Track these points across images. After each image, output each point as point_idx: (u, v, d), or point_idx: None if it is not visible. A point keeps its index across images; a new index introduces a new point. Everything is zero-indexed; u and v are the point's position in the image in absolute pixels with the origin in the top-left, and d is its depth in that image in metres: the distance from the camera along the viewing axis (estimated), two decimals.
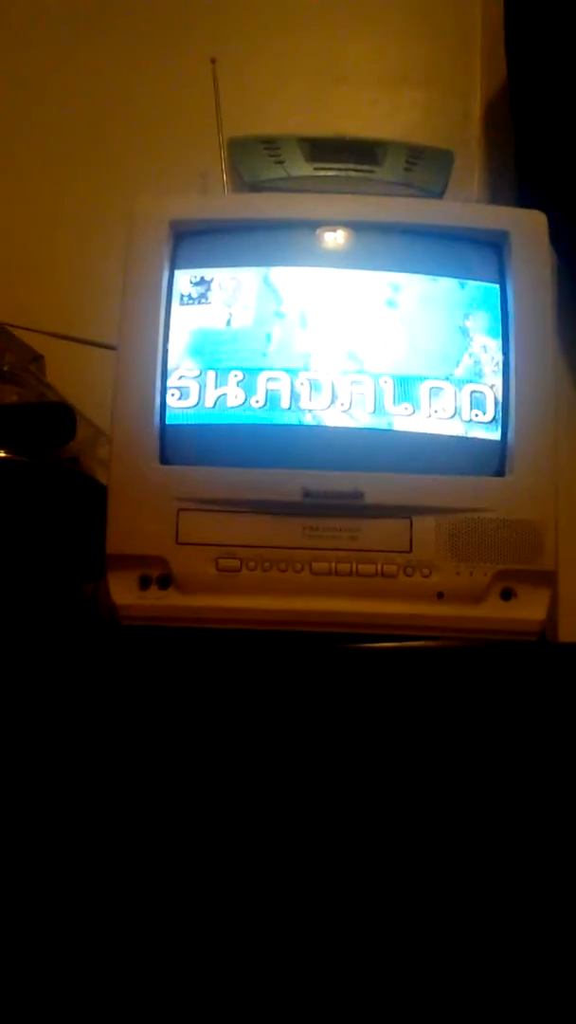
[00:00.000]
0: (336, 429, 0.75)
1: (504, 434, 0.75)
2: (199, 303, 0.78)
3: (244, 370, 0.76)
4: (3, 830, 0.68)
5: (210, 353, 0.77)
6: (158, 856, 0.68)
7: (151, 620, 0.73)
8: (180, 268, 0.78)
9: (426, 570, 0.73)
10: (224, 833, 0.68)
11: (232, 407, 0.76)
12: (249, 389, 0.76)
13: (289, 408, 0.75)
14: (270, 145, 0.99)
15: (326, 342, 0.76)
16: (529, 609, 0.73)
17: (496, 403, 0.76)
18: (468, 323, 0.77)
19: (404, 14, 1.14)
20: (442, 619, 0.72)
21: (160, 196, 0.83)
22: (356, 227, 0.79)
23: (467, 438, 0.75)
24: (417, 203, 0.89)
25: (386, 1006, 0.67)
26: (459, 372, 0.76)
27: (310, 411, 0.75)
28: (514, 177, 1.05)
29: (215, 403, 0.76)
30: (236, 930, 0.67)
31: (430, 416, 0.75)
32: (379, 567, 0.73)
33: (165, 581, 0.73)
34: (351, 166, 0.97)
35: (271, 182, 0.97)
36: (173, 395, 0.76)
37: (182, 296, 0.78)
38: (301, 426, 0.75)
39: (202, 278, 0.78)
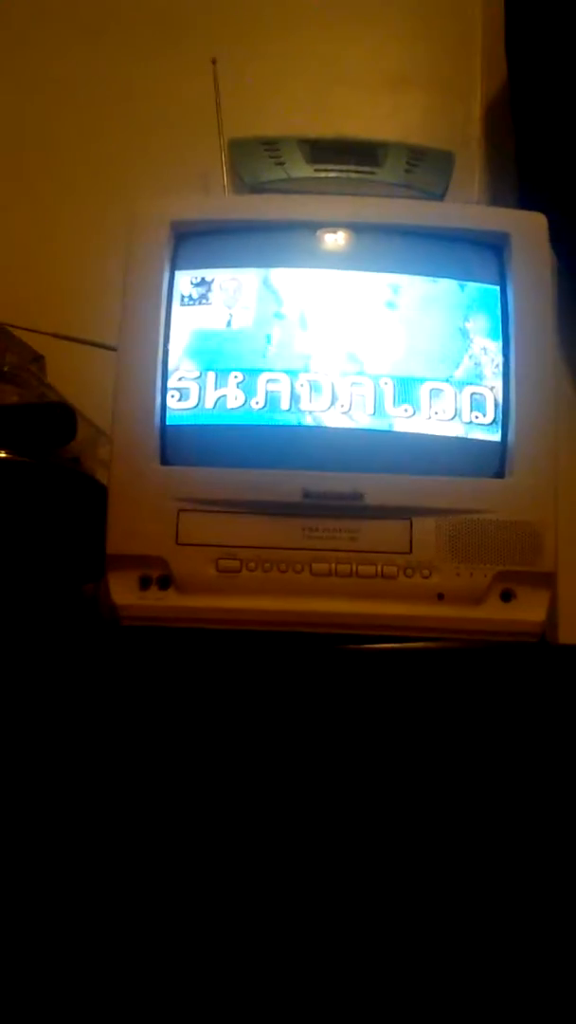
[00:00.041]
0: (336, 430, 0.75)
1: (504, 435, 0.75)
2: (199, 304, 0.78)
3: (244, 371, 0.76)
4: (4, 830, 0.68)
5: (210, 354, 0.77)
6: (159, 855, 0.68)
7: (151, 620, 0.73)
8: (181, 269, 0.78)
9: (426, 571, 0.73)
10: (225, 833, 0.68)
11: (232, 408, 0.76)
12: (249, 390, 0.76)
13: (289, 409, 0.75)
14: (271, 146, 0.99)
15: (326, 343, 0.76)
16: (529, 610, 0.73)
17: (496, 405, 0.76)
18: (468, 325, 0.77)
19: (405, 15, 1.14)
20: (442, 620, 0.72)
21: (161, 197, 0.83)
22: (356, 228, 0.79)
23: (467, 439, 0.75)
24: (418, 204, 0.90)
25: (386, 1005, 0.67)
26: (459, 374, 0.76)
27: (310, 412, 0.75)
28: (515, 179, 1.05)
29: (215, 404, 0.76)
30: (236, 930, 0.67)
31: (430, 418, 0.75)
32: (379, 568, 0.73)
33: (165, 581, 0.73)
34: (352, 167, 0.98)
35: (272, 183, 0.98)
36: (173, 396, 0.76)
37: (183, 297, 0.78)
38: (301, 427, 0.75)
39: (203, 279, 0.78)
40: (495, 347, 0.76)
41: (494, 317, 0.77)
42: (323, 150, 0.99)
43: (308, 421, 0.75)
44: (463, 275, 0.78)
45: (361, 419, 0.75)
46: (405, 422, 0.75)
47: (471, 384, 0.76)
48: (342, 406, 0.75)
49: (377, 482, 0.73)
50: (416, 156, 0.99)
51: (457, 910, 0.67)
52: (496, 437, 0.75)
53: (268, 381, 0.76)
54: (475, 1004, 0.67)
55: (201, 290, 0.78)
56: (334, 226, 0.79)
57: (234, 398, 0.76)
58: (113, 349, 0.78)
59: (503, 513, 0.73)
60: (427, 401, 0.75)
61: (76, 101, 1.13)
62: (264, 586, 0.72)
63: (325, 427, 0.75)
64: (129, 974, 0.67)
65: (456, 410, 0.75)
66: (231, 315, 0.77)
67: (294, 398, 0.75)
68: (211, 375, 0.76)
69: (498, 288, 0.77)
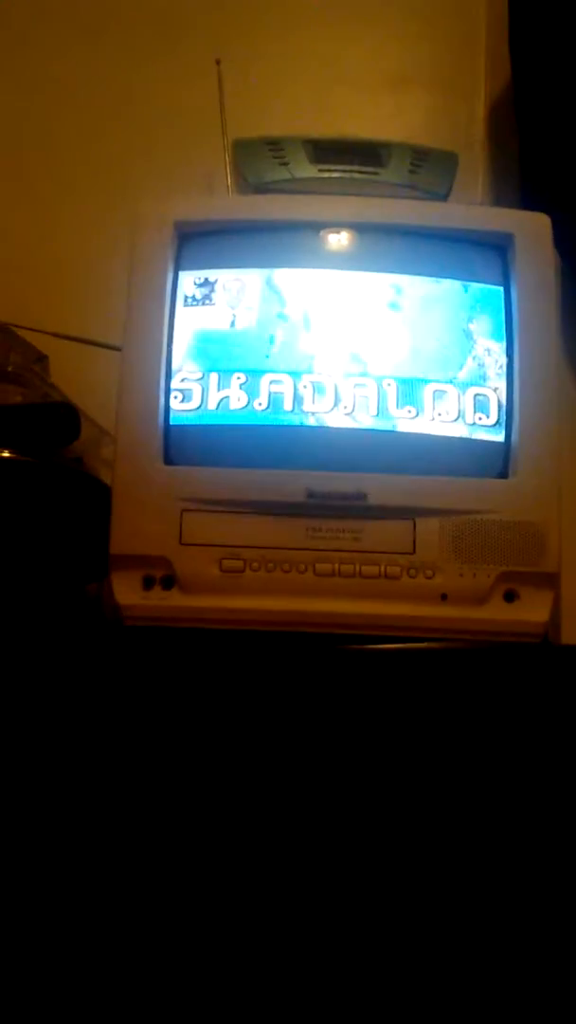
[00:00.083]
0: (339, 430, 0.75)
1: (508, 436, 0.75)
2: (203, 304, 0.78)
3: (247, 372, 0.76)
4: (6, 831, 0.68)
5: (213, 355, 0.77)
6: (161, 855, 0.68)
7: (154, 620, 0.73)
8: (184, 269, 0.78)
9: (429, 571, 0.73)
10: (226, 833, 0.68)
11: (235, 410, 0.76)
12: (252, 392, 0.76)
13: (292, 411, 0.75)
14: (274, 146, 0.99)
15: (329, 344, 0.76)
16: (532, 611, 0.73)
17: (499, 406, 0.76)
18: (472, 326, 0.77)
19: (408, 15, 1.14)
20: (445, 620, 0.72)
21: (164, 197, 0.83)
22: (360, 229, 0.79)
23: (470, 440, 0.75)
24: (421, 205, 0.90)
25: (386, 1005, 0.67)
26: (462, 375, 0.76)
27: (313, 414, 0.75)
28: (518, 179, 1.05)
29: (217, 405, 0.76)
30: (237, 930, 0.67)
31: (433, 419, 0.75)
32: (382, 568, 0.73)
33: (169, 581, 0.73)
34: (355, 168, 0.98)
35: (275, 183, 0.98)
36: (176, 397, 0.76)
37: (186, 297, 0.78)
38: (304, 427, 0.75)
39: (206, 279, 0.78)
40: (499, 348, 0.76)
41: (498, 318, 0.77)
42: (327, 150, 0.99)
43: (311, 422, 0.75)
44: (467, 276, 0.78)
45: (364, 420, 0.75)
46: (408, 423, 0.75)
47: (474, 385, 0.76)
48: (345, 407, 0.75)
49: (381, 482, 0.73)
50: (420, 156, 0.99)
51: (462, 911, 0.67)
52: (499, 438, 0.75)
53: (271, 382, 0.76)
54: (475, 1003, 0.67)
55: (205, 290, 0.78)
56: (338, 226, 0.79)
57: (237, 399, 0.76)
58: (117, 349, 0.78)
59: (506, 513, 0.73)
60: (430, 403, 0.75)
61: (79, 101, 1.13)
62: (268, 586, 0.72)
63: (328, 427, 0.75)
64: (129, 973, 0.67)
65: (459, 412, 0.75)
66: (234, 315, 0.77)
67: (297, 399, 0.75)
68: (214, 376, 0.76)
69: (501, 289, 0.77)
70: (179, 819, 0.68)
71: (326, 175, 0.97)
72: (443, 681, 0.70)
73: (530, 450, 0.74)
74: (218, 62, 0.98)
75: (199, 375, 0.77)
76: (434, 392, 0.75)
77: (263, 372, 0.76)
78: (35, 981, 0.67)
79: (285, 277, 0.78)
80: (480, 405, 0.76)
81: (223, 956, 0.67)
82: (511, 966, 0.67)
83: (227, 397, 0.76)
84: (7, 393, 0.87)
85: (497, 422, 0.76)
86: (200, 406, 0.76)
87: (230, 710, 0.69)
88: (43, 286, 1.06)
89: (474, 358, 0.76)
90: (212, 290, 0.78)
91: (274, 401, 0.75)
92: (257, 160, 0.98)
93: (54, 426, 0.86)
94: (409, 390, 0.75)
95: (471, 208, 0.99)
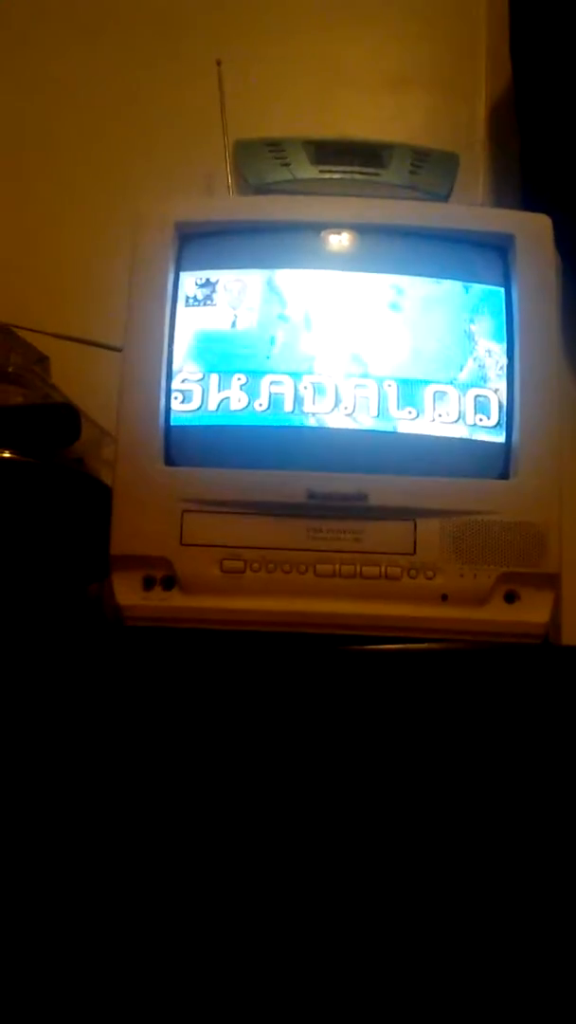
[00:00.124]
0: (340, 431, 0.75)
1: (508, 437, 0.75)
2: (204, 305, 0.78)
3: (247, 373, 0.76)
4: (7, 831, 0.68)
5: (214, 356, 0.77)
6: (163, 856, 0.68)
7: (155, 621, 0.73)
8: (185, 270, 0.78)
9: (430, 572, 0.73)
10: (228, 834, 0.68)
11: (235, 410, 0.76)
12: (252, 392, 0.76)
13: (292, 412, 0.75)
14: (275, 147, 0.99)
15: (330, 345, 0.76)
16: (533, 612, 0.73)
17: (500, 407, 0.76)
18: (473, 327, 0.77)
19: (409, 16, 1.14)
20: (446, 621, 0.72)
21: (165, 198, 0.83)
22: (361, 230, 0.79)
23: (471, 441, 0.75)
24: (422, 206, 0.90)
25: (386, 1005, 0.67)
26: (463, 376, 0.76)
27: (314, 415, 0.75)
28: (519, 180, 1.05)
29: (218, 406, 0.76)
30: (238, 930, 0.67)
31: (434, 420, 0.75)
32: (383, 569, 0.73)
33: (169, 582, 0.74)
34: (356, 169, 0.98)
35: (276, 184, 0.98)
36: (176, 398, 0.76)
37: (187, 298, 0.78)
38: (305, 428, 0.75)
39: (207, 280, 0.78)
40: (499, 349, 0.76)
41: (498, 319, 0.77)
42: (327, 151, 0.99)
43: (312, 423, 0.75)
44: (467, 277, 0.78)
45: (365, 421, 0.75)
46: (409, 424, 0.75)
47: (475, 386, 0.76)
48: (346, 408, 0.75)
49: (381, 483, 0.73)
50: (420, 157, 0.99)
51: (463, 911, 0.67)
52: (500, 439, 0.75)
53: (272, 383, 0.76)
54: (475, 1003, 0.67)
55: (206, 291, 0.78)
56: (338, 227, 0.79)
57: (237, 400, 0.76)
58: (117, 350, 0.78)
59: (507, 514, 0.73)
60: (431, 404, 0.75)
61: (80, 102, 1.13)
62: (268, 587, 0.73)
63: (329, 428, 0.75)
64: (129, 973, 0.67)
65: (460, 413, 0.75)
66: (235, 316, 0.77)
67: (298, 400, 0.75)
68: (214, 377, 0.76)
69: (502, 290, 0.77)
70: (180, 820, 0.68)
71: (327, 176, 0.97)
72: (444, 682, 0.70)
73: (531, 451, 0.74)
74: (219, 63, 0.98)
75: (200, 376, 0.77)
76: (435, 393, 0.75)
77: (264, 373, 0.76)
78: (35, 980, 0.67)
79: (286, 278, 0.78)
80: (481, 406, 0.76)
81: (223, 956, 0.67)
82: (511, 966, 0.67)
83: (227, 398, 0.76)
84: (8, 394, 0.87)
85: (498, 423, 0.76)
86: (200, 407, 0.76)
87: (231, 711, 0.69)
88: (44, 287, 1.06)
89: (475, 359, 0.76)
90: (213, 291, 0.78)
91: (274, 402, 0.75)
92: (258, 161, 0.99)
93: (55, 427, 0.86)
94: (410, 391, 0.75)
95: (472, 209, 0.99)
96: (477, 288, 0.78)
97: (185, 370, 0.77)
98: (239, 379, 0.76)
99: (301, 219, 0.80)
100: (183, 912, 0.67)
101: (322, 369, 0.76)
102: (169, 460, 0.75)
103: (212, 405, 0.76)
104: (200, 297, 0.78)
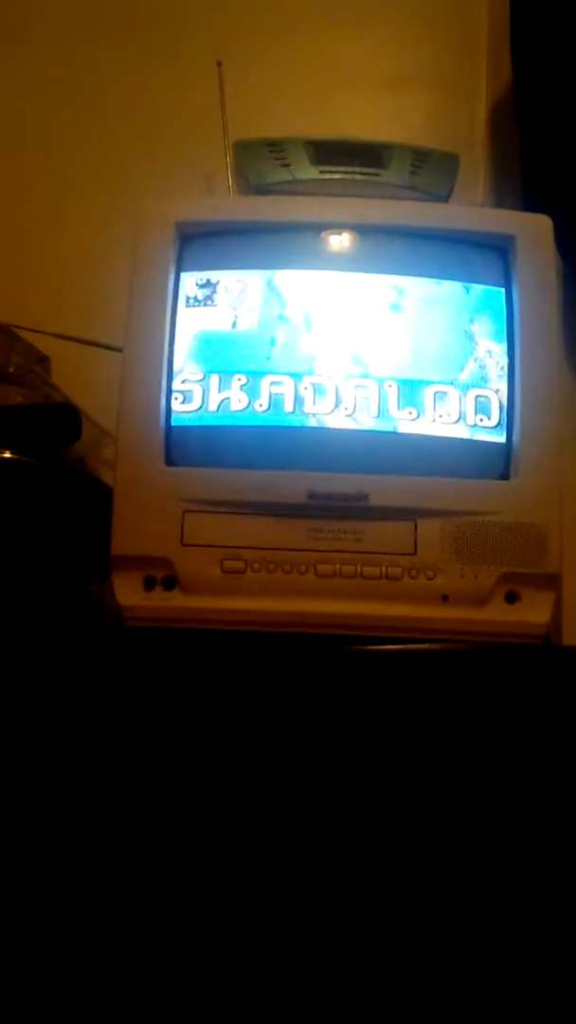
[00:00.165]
0: (341, 431, 0.75)
1: (509, 437, 0.75)
2: (205, 305, 0.78)
3: (248, 374, 0.76)
4: (8, 832, 0.68)
5: (214, 356, 0.77)
6: (163, 856, 0.68)
7: (156, 621, 0.73)
8: (186, 270, 0.78)
9: (431, 572, 0.73)
10: (228, 834, 0.68)
11: (235, 411, 0.76)
12: (253, 393, 0.76)
13: (293, 412, 0.75)
14: (275, 148, 0.99)
15: (330, 346, 0.76)
16: (533, 612, 0.73)
17: (501, 408, 0.76)
18: (473, 327, 0.77)
19: (409, 16, 1.14)
20: (446, 621, 0.72)
21: (166, 198, 0.83)
22: (361, 230, 0.79)
23: (472, 441, 0.75)
24: (422, 206, 0.90)
25: (386, 1005, 0.67)
26: (464, 377, 0.76)
27: (314, 415, 0.75)
28: (520, 181, 1.05)
29: (218, 407, 0.76)
30: (238, 930, 0.67)
31: (434, 421, 0.75)
32: (384, 569, 0.73)
33: (170, 582, 0.74)
34: (356, 169, 0.98)
35: (276, 185, 0.98)
36: (177, 399, 0.76)
37: (188, 298, 0.78)
38: (306, 428, 0.75)
39: (208, 280, 0.78)
40: (500, 349, 0.76)
41: (499, 319, 0.77)
42: (328, 152, 0.99)
43: (312, 423, 0.75)
44: (468, 277, 0.78)
45: (365, 422, 0.75)
46: (409, 425, 0.75)
47: (476, 387, 0.76)
48: (346, 409, 0.75)
49: (382, 483, 0.73)
50: (421, 158, 0.99)
51: (464, 910, 0.67)
52: (501, 439, 0.75)
53: (272, 384, 0.76)
54: (475, 1003, 0.67)
55: (206, 291, 0.78)
56: (339, 228, 0.79)
57: (238, 400, 0.76)
58: (118, 350, 0.78)
59: (508, 515, 0.73)
60: (431, 404, 0.75)
61: (81, 102, 1.13)
62: (269, 587, 0.73)
63: (330, 428, 0.75)
64: (129, 973, 0.67)
65: (461, 413, 0.75)
66: (236, 316, 0.77)
67: (298, 401, 0.75)
68: (215, 378, 0.76)
69: (503, 290, 0.77)
70: (181, 820, 0.68)
71: (327, 176, 0.98)
72: (444, 682, 0.70)
73: (531, 451, 0.74)
74: (219, 63, 0.98)
75: (200, 376, 0.77)
76: (435, 394, 0.75)
77: (264, 373, 0.76)
78: (35, 980, 0.67)
79: (286, 278, 0.78)
80: (481, 407, 0.76)
81: (224, 956, 0.67)
82: (511, 965, 0.67)
83: (228, 398, 0.76)
84: (8, 394, 0.87)
85: (498, 424, 0.76)
86: (201, 407, 0.76)
87: (231, 711, 0.69)
88: (44, 287, 1.06)
89: (475, 359, 0.76)
90: (214, 291, 0.78)
91: (275, 402, 0.75)
92: (258, 161, 0.99)
93: (55, 427, 0.86)
94: (410, 392, 0.75)
95: (472, 209, 0.99)
96: (477, 289, 0.78)
97: (186, 370, 0.77)
98: (239, 380, 0.76)
99: (301, 219, 0.80)
100: (184, 912, 0.67)
101: (322, 370, 0.76)
102: (170, 460, 0.75)
103: (212, 406, 0.76)
104: (201, 297, 0.78)
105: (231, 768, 0.69)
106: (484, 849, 0.68)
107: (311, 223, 0.79)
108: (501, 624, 0.73)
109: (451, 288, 0.78)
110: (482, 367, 0.76)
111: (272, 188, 0.97)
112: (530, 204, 1.01)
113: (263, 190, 0.97)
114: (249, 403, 0.76)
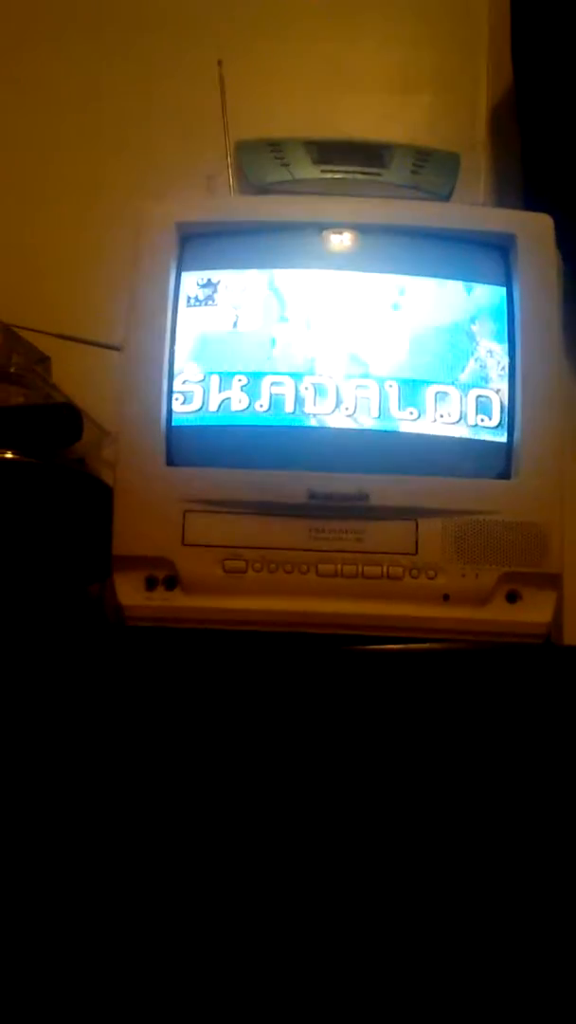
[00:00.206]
0: (341, 431, 0.75)
1: (510, 437, 0.75)
2: (206, 305, 0.78)
3: (248, 374, 0.76)
4: (8, 832, 0.68)
5: (214, 357, 0.77)
6: (164, 856, 0.68)
7: (157, 621, 0.73)
8: (187, 270, 0.78)
9: (432, 572, 0.73)
10: (229, 834, 0.68)
11: (236, 411, 0.76)
12: (253, 394, 0.76)
13: (293, 413, 0.75)
14: (276, 148, 0.99)
15: (331, 346, 0.76)
16: (535, 611, 0.73)
17: (502, 408, 0.76)
18: (474, 327, 0.77)
19: (410, 17, 1.14)
20: (448, 621, 0.72)
21: (167, 198, 0.83)
22: (362, 230, 0.79)
23: (473, 441, 0.75)
24: (423, 206, 0.90)
25: (386, 1006, 0.67)
26: (465, 377, 0.76)
27: (314, 415, 0.75)
28: (521, 180, 1.05)
29: (219, 408, 0.76)
30: (239, 931, 0.67)
31: (435, 421, 0.75)
32: (385, 569, 0.73)
33: (171, 582, 0.74)
34: (357, 169, 0.98)
35: (277, 185, 0.98)
36: (177, 400, 0.76)
37: (189, 298, 0.78)
38: (306, 428, 0.75)
39: (209, 280, 0.78)
40: (501, 349, 0.76)
41: (500, 319, 0.77)
42: (329, 151, 0.99)
43: (313, 423, 0.75)
44: (469, 276, 0.78)
45: (366, 422, 0.75)
46: (410, 425, 0.75)
47: (477, 387, 0.76)
48: (347, 409, 0.75)
49: (383, 483, 0.73)
50: (422, 157, 0.99)
51: (464, 910, 0.67)
52: (502, 439, 0.75)
53: (272, 384, 0.76)
54: (475, 1003, 0.67)
55: (207, 291, 0.78)
56: (340, 227, 0.79)
57: (238, 401, 0.76)
58: (118, 350, 0.78)
59: (509, 514, 0.73)
60: (432, 404, 0.75)
61: (81, 103, 1.13)
62: (270, 587, 0.73)
63: (330, 428, 0.75)
64: (129, 974, 0.67)
65: (462, 413, 0.75)
66: (237, 316, 0.77)
67: (298, 401, 0.75)
68: (215, 379, 0.76)
69: (504, 290, 0.77)
70: (182, 820, 0.68)
71: (328, 176, 0.98)
72: (445, 682, 0.70)
73: (533, 451, 0.74)
74: (220, 63, 0.98)
75: (200, 377, 0.77)
76: (436, 394, 0.75)
77: (264, 374, 0.76)
78: (35, 980, 0.67)
79: (287, 278, 0.78)
80: (482, 407, 0.76)
81: (224, 956, 0.67)
82: (511, 965, 0.67)
83: (228, 399, 0.76)
84: (9, 394, 0.87)
85: (499, 424, 0.75)
86: (201, 408, 0.76)
87: (232, 711, 0.69)
88: (45, 287, 1.06)
89: (476, 359, 0.76)
90: (214, 291, 0.78)
91: (275, 403, 0.75)
92: (259, 161, 0.99)
93: (56, 427, 0.86)
94: (411, 392, 0.75)
95: (473, 209, 0.99)
96: (478, 288, 0.78)
97: (186, 371, 0.77)
98: (240, 380, 0.76)
99: (302, 219, 0.80)
100: (184, 912, 0.67)
101: (323, 370, 0.76)
102: (170, 460, 0.75)
103: (213, 406, 0.76)
104: (201, 297, 0.78)
105: (233, 768, 0.69)
106: (485, 848, 0.68)
107: (312, 223, 0.79)
108: (502, 624, 0.73)
109: (452, 288, 0.78)
110: (483, 367, 0.76)
111: (273, 188, 0.97)
112: (531, 203, 1.01)
113: (264, 190, 0.97)
114: (250, 403, 0.76)
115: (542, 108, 1.01)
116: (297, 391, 0.75)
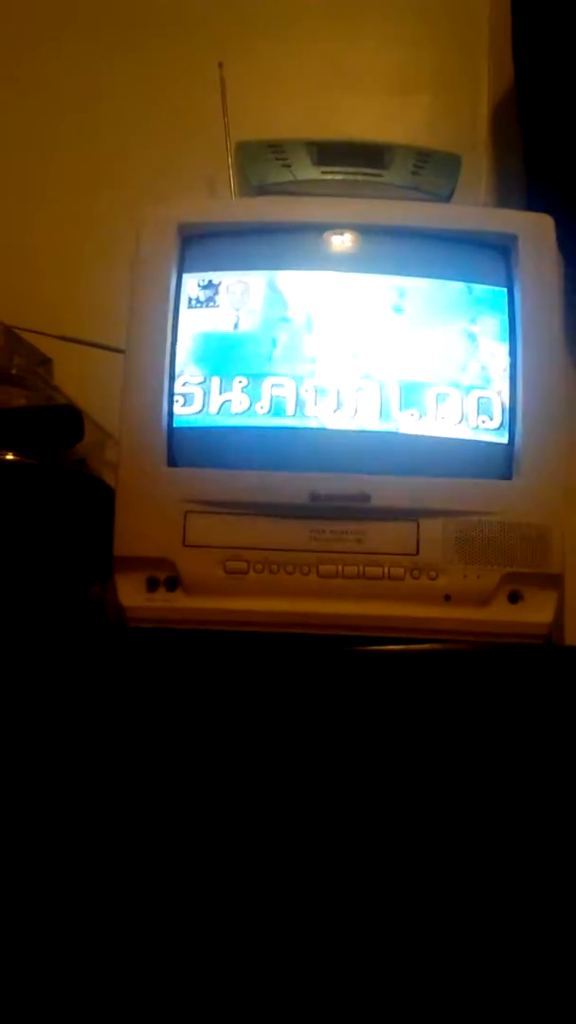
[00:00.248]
0: (342, 432, 0.75)
1: (511, 438, 0.75)
2: (207, 306, 0.78)
3: (249, 376, 0.76)
4: (9, 832, 0.68)
5: (215, 358, 0.77)
6: (165, 857, 0.68)
7: (158, 622, 0.73)
8: (188, 272, 0.78)
9: (433, 573, 0.73)
10: (230, 834, 0.68)
11: (236, 413, 0.76)
12: (254, 395, 0.76)
13: (294, 414, 0.75)
14: (277, 149, 0.99)
15: (332, 347, 0.76)
16: (536, 612, 0.73)
17: (503, 409, 0.76)
18: (475, 328, 0.77)
19: (411, 17, 1.14)
20: (449, 622, 0.72)
21: (168, 200, 0.83)
22: (363, 231, 0.79)
23: (474, 441, 0.75)
24: (424, 207, 0.90)
25: (386, 1006, 0.67)
26: (466, 378, 0.76)
27: (315, 417, 0.75)
28: (522, 180, 1.05)
29: (219, 410, 0.76)
30: (239, 931, 0.67)
31: (436, 422, 0.75)
32: (386, 570, 0.73)
33: (172, 583, 0.74)
34: (358, 170, 0.98)
35: (278, 186, 0.98)
36: (178, 402, 0.76)
37: (190, 299, 0.78)
38: (308, 429, 0.75)
39: (210, 281, 0.78)
40: (502, 350, 0.76)
41: (501, 319, 0.77)
42: (329, 153, 0.99)
43: (314, 425, 0.75)
44: (470, 277, 0.78)
45: (367, 423, 0.75)
46: (411, 426, 0.75)
47: (478, 388, 0.76)
48: (348, 411, 0.75)
49: (384, 484, 0.73)
50: (423, 158, 0.99)
51: (465, 910, 0.67)
52: (503, 440, 0.75)
53: (273, 385, 0.76)
54: (475, 1004, 0.67)
55: (208, 293, 0.78)
56: (341, 228, 0.79)
57: (239, 403, 0.76)
58: (120, 351, 0.78)
59: (510, 515, 0.73)
60: (433, 406, 0.75)
61: (82, 104, 1.13)
62: (271, 588, 0.73)
63: (331, 429, 0.75)
64: (129, 974, 0.67)
65: (463, 414, 0.75)
66: (238, 317, 0.77)
67: (299, 403, 0.75)
68: (215, 380, 0.76)
69: (505, 290, 0.77)
70: (183, 821, 0.68)
71: (329, 177, 0.97)
72: (447, 682, 0.70)
73: (534, 452, 0.74)
74: (220, 65, 0.98)
75: (201, 378, 0.77)
76: (437, 395, 0.75)
77: (265, 375, 0.76)
78: (35, 980, 0.67)
79: (288, 279, 0.78)
80: (483, 408, 0.76)
81: (224, 956, 0.67)
82: (511, 965, 0.67)
83: (229, 401, 0.76)
84: (11, 396, 0.87)
85: (501, 424, 0.75)
86: (202, 410, 0.76)
87: (234, 712, 0.69)
88: (47, 289, 1.06)
89: (477, 360, 0.76)
90: (215, 292, 0.78)
91: (276, 405, 0.75)
92: (260, 162, 0.99)
93: (58, 428, 0.86)
94: (412, 393, 0.75)
95: (474, 209, 0.99)
96: (480, 289, 0.78)
97: (187, 373, 0.77)
98: (240, 382, 0.76)
99: (303, 220, 0.80)
100: (185, 912, 0.67)
101: (324, 371, 0.76)
102: (172, 461, 0.75)
103: (213, 408, 0.76)
104: (202, 299, 0.78)
105: (234, 769, 0.69)
106: (485, 848, 0.68)
107: (313, 224, 0.79)
108: (503, 624, 0.73)
109: (453, 288, 0.78)
110: (484, 368, 0.76)
111: (274, 189, 0.97)
112: (533, 204, 1.01)
113: (265, 191, 0.97)
114: (250, 405, 0.76)
115: (544, 108, 1.01)
116: (298, 392, 0.75)
